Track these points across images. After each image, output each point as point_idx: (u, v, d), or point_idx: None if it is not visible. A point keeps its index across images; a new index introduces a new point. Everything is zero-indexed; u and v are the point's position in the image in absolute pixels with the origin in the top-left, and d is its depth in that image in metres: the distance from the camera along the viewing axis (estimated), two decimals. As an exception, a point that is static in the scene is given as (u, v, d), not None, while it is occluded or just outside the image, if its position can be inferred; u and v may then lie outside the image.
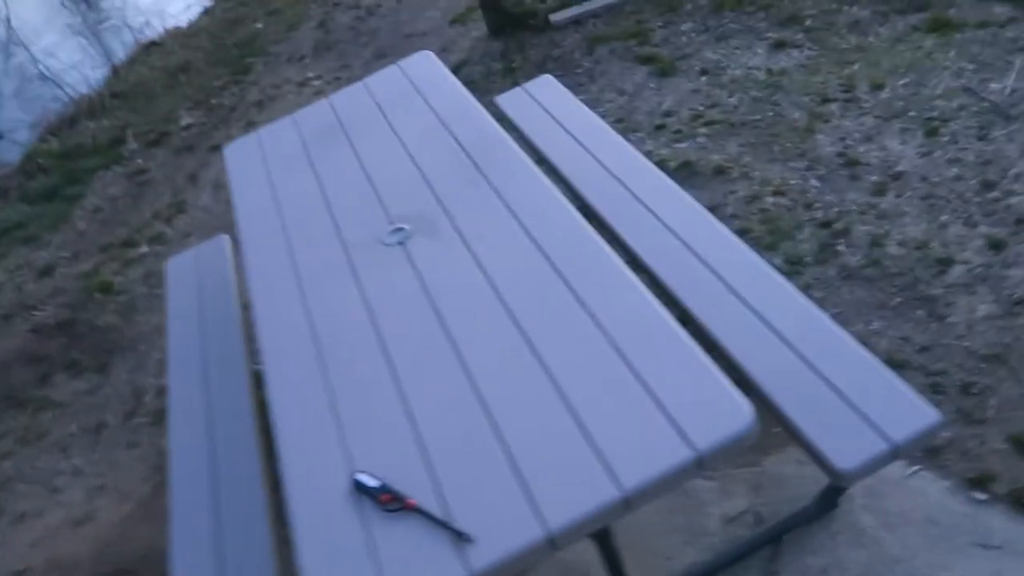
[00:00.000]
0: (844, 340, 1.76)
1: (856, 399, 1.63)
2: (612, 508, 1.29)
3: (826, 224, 2.70)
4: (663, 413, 1.37)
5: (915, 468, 2.00)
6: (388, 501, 1.40)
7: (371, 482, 1.43)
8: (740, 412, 1.34)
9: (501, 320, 1.66)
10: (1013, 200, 2.55)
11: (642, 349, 1.49)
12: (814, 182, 2.89)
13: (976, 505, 1.90)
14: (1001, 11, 3.34)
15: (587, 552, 1.73)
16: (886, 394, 1.63)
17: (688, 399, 1.38)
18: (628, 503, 1.29)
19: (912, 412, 1.58)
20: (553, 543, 1.28)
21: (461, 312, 1.72)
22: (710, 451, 1.30)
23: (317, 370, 1.73)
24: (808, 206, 2.80)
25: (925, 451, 2.03)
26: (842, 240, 2.63)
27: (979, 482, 1.93)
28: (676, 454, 1.31)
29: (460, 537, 1.31)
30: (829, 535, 1.93)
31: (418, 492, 1.40)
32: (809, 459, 1.65)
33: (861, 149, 2.94)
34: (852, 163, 2.90)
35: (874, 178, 2.81)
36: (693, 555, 1.98)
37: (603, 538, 1.58)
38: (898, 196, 2.71)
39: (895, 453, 1.54)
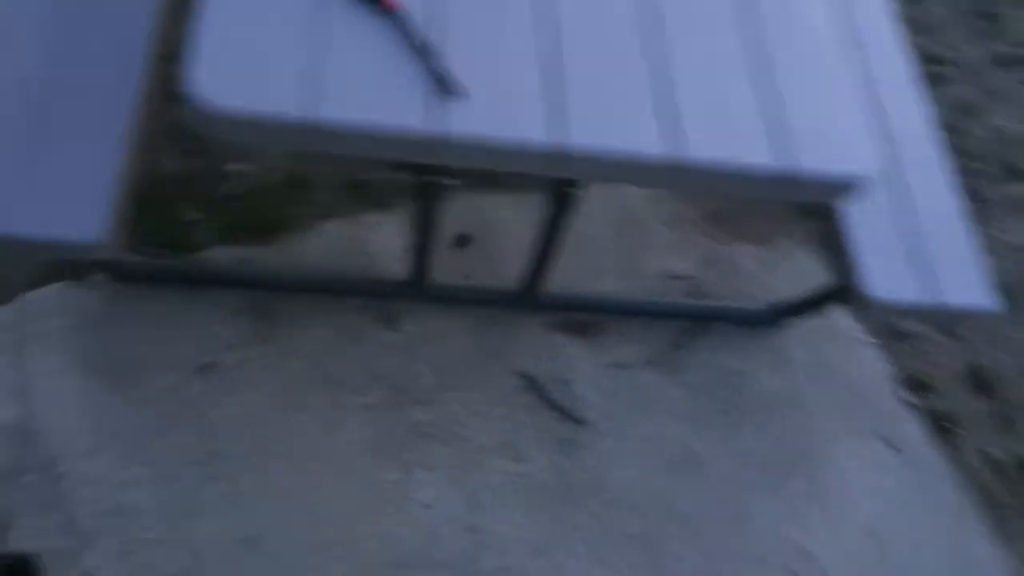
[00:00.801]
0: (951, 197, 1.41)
1: (935, 247, 1.32)
2: (661, 163, 0.93)
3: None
4: (781, 124, 0.98)
5: (872, 341, 1.80)
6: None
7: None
8: (862, 157, 0.98)
9: None
10: None
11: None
12: None
13: (902, 404, 1.74)
14: None
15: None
16: (964, 259, 1.33)
17: (815, 124, 1.00)
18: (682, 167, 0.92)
19: (977, 289, 1.30)
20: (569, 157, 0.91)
21: None
22: (809, 177, 0.94)
23: None
24: None
25: (891, 333, 1.82)
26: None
27: (919, 386, 1.76)
28: (762, 156, 0.95)
29: (447, 86, 0.90)
30: (755, 347, 1.72)
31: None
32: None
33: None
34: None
35: None
36: (614, 286, 1.71)
37: (566, 200, 1.22)
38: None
39: (934, 309, 1.27)
